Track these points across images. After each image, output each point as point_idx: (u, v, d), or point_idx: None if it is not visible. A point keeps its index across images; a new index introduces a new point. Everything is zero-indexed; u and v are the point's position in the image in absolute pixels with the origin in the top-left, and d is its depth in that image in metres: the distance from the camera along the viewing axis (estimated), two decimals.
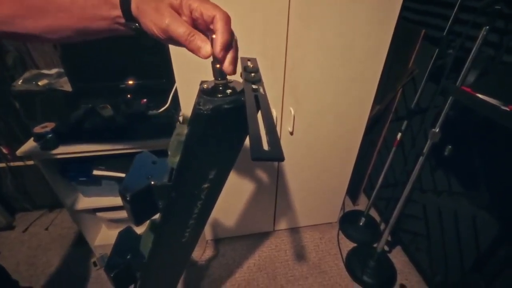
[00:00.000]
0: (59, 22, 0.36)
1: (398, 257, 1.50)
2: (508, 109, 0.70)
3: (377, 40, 1.05)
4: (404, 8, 1.26)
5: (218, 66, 0.39)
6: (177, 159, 0.47)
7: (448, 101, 0.91)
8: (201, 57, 0.35)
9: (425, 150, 1.01)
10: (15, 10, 0.35)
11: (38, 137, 1.09)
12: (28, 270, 1.45)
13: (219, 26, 0.35)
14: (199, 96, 0.40)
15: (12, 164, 1.55)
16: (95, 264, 1.44)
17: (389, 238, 1.54)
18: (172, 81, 1.05)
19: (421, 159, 1.03)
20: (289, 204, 1.53)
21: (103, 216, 1.48)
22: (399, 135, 1.28)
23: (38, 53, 1.35)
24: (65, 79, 1.22)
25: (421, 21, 1.26)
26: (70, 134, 1.12)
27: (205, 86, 0.41)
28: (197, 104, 0.39)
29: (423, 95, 1.20)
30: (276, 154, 0.28)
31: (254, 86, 0.40)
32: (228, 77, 0.41)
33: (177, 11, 0.35)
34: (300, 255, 1.54)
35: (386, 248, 1.51)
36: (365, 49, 1.06)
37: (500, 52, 0.90)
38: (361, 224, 1.64)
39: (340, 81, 1.13)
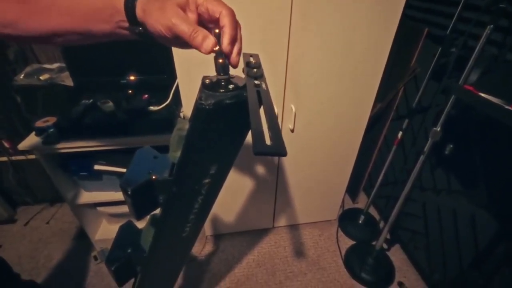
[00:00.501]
0: (62, 26, 0.37)
1: (396, 255, 1.50)
2: (511, 108, 0.70)
3: (379, 38, 1.04)
4: (407, 6, 1.25)
5: (220, 61, 0.39)
6: (178, 154, 0.48)
7: (450, 100, 0.91)
8: (204, 53, 0.36)
9: (425, 149, 1.01)
10: (20, 14, 0.35)
11: (40, 132, 1.09)
12: (29, 264, 1.46)
13: (226, 21, 0.36)
14: (201, 91, 0.40)
15: (13, 158, 1.55)
16: (95, 258, 1.45)
17: (388, 236, 1.54)
18: (174, 77, 1.05)
19: (421, 157, 1.03)
20: (288, 201, 1.53)
21: (104, 211, 1.49)
22: (400, 133, 1.28)
23: (39, 47, 1.34)
24: (66, 73, 1.22)
25: (424, 19, 1.25)
26: (72, 128, 1.13)
27: (207, 81, 0.41)
28: (199, 99, 0.39)
29: (425, 93, 1.20)
30: (278, 149, 0.28)
31: (256, 82, 0.40)
32: (230, 72, 0.42)
33: (184, 8, 0.36)
34: (299, 251, 1.55)
35: (385, 246, 1.51)
36: (367, 47, 1.06)
37: (503, 51, 0.90)
38: (360, 222, 1.64)
39: (341, 79, 1.12)
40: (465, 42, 0.97)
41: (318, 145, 1.32)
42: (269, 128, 0.30)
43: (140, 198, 0.50)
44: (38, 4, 0.35)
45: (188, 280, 1.40)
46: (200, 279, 1.40)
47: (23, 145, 1.09)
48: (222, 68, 0.40)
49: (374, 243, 1.36)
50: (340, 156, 1.39)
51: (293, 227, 1.68)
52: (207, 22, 0.38)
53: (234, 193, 1.42)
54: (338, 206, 1.65)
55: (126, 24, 0.37)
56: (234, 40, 0.38)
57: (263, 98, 0.37)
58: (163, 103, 1.18)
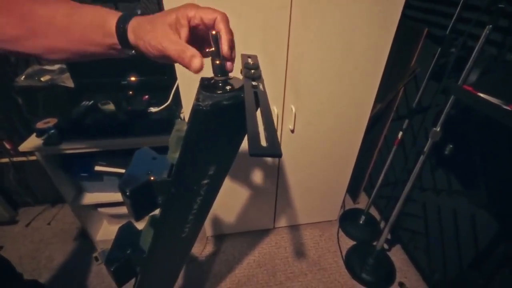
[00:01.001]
0: (58, 44, 0.38)
1: (397, 255, 1.50)
2: (510, 108, 0.69)
3: (379, 38, 1.04)
4: (407, 6, 1.25)
5: (217, 62, 0.39)
6: (177, 155, 0.48)
7: (450, 100, 0.91)
8: (192, 71, 0.36)
9: (425, 149, 1.01)
10: (19, 32, 0.37)
11: (41, 133, 1.10)
12: (31, 264, 1.47)
13: (221, 26, 0.37)
14: (198, 92, 0.40)
15: (14, 159, 1.56)
16: (96, 259, 1.46)
17: (389, 236, 1.54)
18: (174, 78, 1.06)
19: (421, 158, 1.03)
20: (289, 201, 1.53)
21: (105, 212, 1.49)
22: (400, 134, 1.28)
23: None
24: (67, 75, 1.23)
25: (424, 19, 1.25)
26: (72, 130, 1.13)
27: (205, 82, 0.41)
28: (196, 100, 0.39)
29: (425, 94, 1.20)
30: (273, 150, 0.28)
31: (253, 83, 0.41)
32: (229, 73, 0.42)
33: (175, 25, 0.36)
34: (299, 252, 1.55)
35: (386, 246, 1.51)
36: (367, 47, 1.06)
37: (503, 51, 0.90)
38: (361, 222, 1.64)
39: (341, 79, 1.12)
40: (464, 42, 0.97)
41: (318, 146, 1.32)
42: (265, 130, 0.31)
43: (139, 199, 0.50)
44: (37, 23, 0.36)
45: (189, 280, 1.40)
46: (201, 280, 1.40)
47: (24, 146, 1.10)
48: (219, 70, 0.40)
49: (374, 243, 1.36)
50: (340, 156, 1.39)
51: (294, 228, 1.68)
52: (204, 31, 0.39)
53: (234, 194, 1.42)
54: (338, 207, 1.65)
55: (119, 47, 0.38)
56: (232, 44, 0.39)
57: (260, 99, 0.37)
58: (164, 104, 1.18)
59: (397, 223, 1.48)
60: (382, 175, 1.42)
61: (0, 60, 1.31)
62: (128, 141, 1.16)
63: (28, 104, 1.30)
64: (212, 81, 0.41)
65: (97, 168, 1.26)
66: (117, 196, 1.35)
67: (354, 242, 1.59)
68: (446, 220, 1.18)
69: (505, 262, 0.89)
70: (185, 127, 0.46)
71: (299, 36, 0.99)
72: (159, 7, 1.29)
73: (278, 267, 1.46)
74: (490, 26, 0.80)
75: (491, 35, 0.83)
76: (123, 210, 1.48)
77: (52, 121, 1.12)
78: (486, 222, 0.99)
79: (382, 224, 1.66)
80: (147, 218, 0.62)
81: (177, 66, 0.99)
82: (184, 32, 0.37)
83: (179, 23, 0.36)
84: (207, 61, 0.39)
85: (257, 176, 1.38)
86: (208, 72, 0.42)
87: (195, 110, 0.40)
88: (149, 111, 1.17)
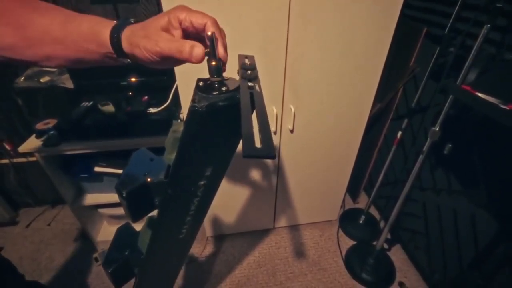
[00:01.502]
0: (55, 53, 0.39)
1: (397, 255, 1.50)
2: (508, 108, 0.69)
3: (378, 38, 1.04)
4: (405, 5, 1.25)
5: (213, 63, 0.39)
6: (173, 156, 0.48)
7: (448, 100, 0.91)
8: (195, 62, 0.36)
9: (424, 148, 1.01)
10: (17, 40, 0.37)
11: (40, 134, 1.10)
12: (31, 265, 1.47)
13: (213, 30, 0.37)
14: (195, 93, 0.40)
15: (15, 160, 1.56)
16: (96, 259, 1.45)
17: (389, 236, 1.54)
18: (173, 79, 1.06)
19: (420, 157, 1.03)
20: (289, 201, 1.53)
21: (105, 212, 1.50)
22: (399, 133, 1.28)
23: None
24: (66, 76, 1.23)
25: (423, 19, 1.25)
26: (72, 130, 1.14)
27: (201, 83, 0.41)
28: (192, 101, 0.39)
29: (424, 93, 1.20)
30: (267, 152, 0.28)
31: (250, 84, 0.40)
32: (224, 74, 0.42)
33: (167, 28, 0.37)
34: (299, 252, 1.55)
35: (386, 246, 1.51)
36: (366, 46, 1.05)
37: (501, 50, 0.89)
38: (361, 222, 1.64)
39: (340, 79, 1.12)
40: (463, 42, 0.97)
41: (318, 145, 1.32)
42: (260, 131, 0.30)
43: (136, 200, 0.50)
44: (33, 32, 0.37)
45: (189, 281, 1.40)
46: (201, 280, 1.40)
47: (24, 147, 1.10)
48: (215, 71, 0.40)
49: (374, 243, 1.36)
50: (340, 156, 1.39)
51: (294, 228, 1.68)
52: (194, 35, 0.39)
53: (234, 194, 1.42)
54: (338, 206, 1.65)
55: (114, 56, 0.39)
56: (225, 46, 0.39)
57: (256, 100, 0.37)
58: (163, 104, 1.19)
59: (397, 223, 1.48)
60: (382, 174, 1.42)
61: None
62: (127, 142, 1.16)
63: (28, 105, 1.30)
64: (208, 82, 0.41)
65: (97, 169, 1.26)
66: (117, 197, 1.35)
67: (354, 242, 1.58)
68: (446, 220, 1.17)
69: (505, 262, 0.89)
70: (181, 128, 0.46)
71: (298, 36, 0.99)
72: (159, 8, 1.29)
73: (278, 267, 1.46)
74: (488, 25, 0.80)
75: (490, 34, 0.82)
76: (123, 211, 1.48)
77: (51, 122, 1.13)
78: (486, 222, 0.98)
79: (382, 224, 1.66)
80: (145, 219, 0.62)
81: (177, 67, 0.99)
82: (178, 34, 0.37)
83: (171, 26, 0.37)
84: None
85: (257, 176, 1.38)
86: (206, 74, 0.42)
87: (191, 111, 0.40)
88: (148, 111, 1.17)
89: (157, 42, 0.35)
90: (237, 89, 0.40)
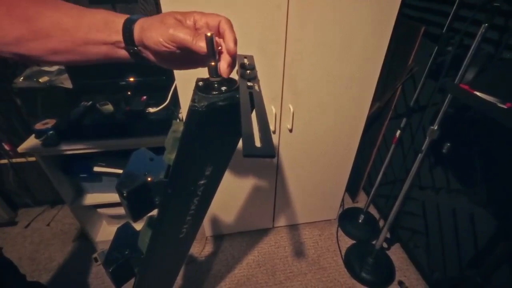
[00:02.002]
0: (62, 45, 0.39)
1: (396, 254, 1.50)
2: (506, 107, 0.70)
3: (376, 37, 1.05)
4: (404, 5, 1.25)
5: (213, 63, 0.39)
6: (173, 156, 0.48)
7: (447, 99, 0.91)
8: (202, 53, 0.37)
9: (423, 147, 1.01)
10: (23, 33, 0.37)
11: (39, 134, 1.10)
12: (30, 266, 1.47)
13: (226, 26, 0.39)
14: (194, 93, 0.41)
15: (14, 160, 1.56)
16: (96, 259, 1.44)
17: (388, 235, 1.54)
18: (172, 78, 1.06)
19: (419, 156, 1.03)
20: (288, 201, 1.54)
21: (104, 212, 1.50)
22: (398, 132, 1.28)
23: None
24: (65, 76, 1.23)
25: (421, 18, 1.25)
26: (71, 130, 1.13)
27: (200, 83, 0.41)
28: (192, 101, 0.40)
29: (423, 92, 1.20)
30: (267, 151, 0.28)
31: (249, 83, 0.41)
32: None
33: (181, 21, 0.38)
34: (299, 251, 1.55)
35: (385, 245, 1.51)
36: (365, 46, 1.06)
37: (499, 49, 0.90)
38: (360, 221, 1.64)
39: (339, 78, 1.13)
40: (461, 41, 0.97)
41: (317, 145, 1.33)
42: (260, 130, 0.31)
43: (136, 200, 0.50)
44: (41, 23, 0.37)
45: (188, 280, 1.40)
46: (200, 280, 1.40)
47: (22, 147, 1.10)
48: (215, 71, 0.40)
49: (374, 242, 1.36)
50: (339, 155, 1.39)
51: (293, 227, 1.69)
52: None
53: (233, 194, 1.42)
54: (337, 206, 1.65)
55: (122, 45, 0.39)
56: (236, 41, 0.40)
57: (255, 100, 0.37)
58: (162, 104, 1.19)
59: (396, 222, 1.49)
60: (381, 173, 1.43)
61: None
62: (127, 142, 1.16)
63: (27, 105, 1.30)
64: (208, 82, 0.41)
65: (96, 168, 1.26)
66: (117, 197, 1.34)
67: (354, 241, 1.59)
68: (445, 219, 1.18)
69: (503, 260, 0.89)
70: (181, 128, 0.46)
71: (296, 36, 0.99)
72: (157, 8, 1.29)
73: (277, 267, 1.47)
74: (486, 24, 0.81)
75: (487, 33, 0.83)
76: (123, 210, 1.47)
77: (51, 122, 1.12)
78: (484, 221, 0.99)
79: (381, 223, 1.66)
80: (145, 218, 0.62)
81: None
82: (190, 28, 0.38)
83: (185, 22, 0.38)
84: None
85: (256, 176, 1.38)
86: (205, 73, 0.42)
87: (190, 111, 0.40)
88: (147, 111, 1.17)
89: (170, 27, 0.35)
90: (237, 89, 0.40)
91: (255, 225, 1.63)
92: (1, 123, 1.46)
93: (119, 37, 0.38)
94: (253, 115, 0.34)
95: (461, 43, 0.98)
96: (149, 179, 0.50)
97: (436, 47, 1.07)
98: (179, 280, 1.40)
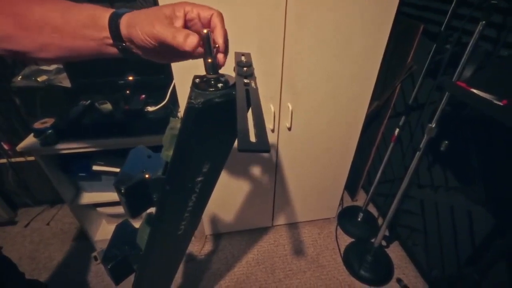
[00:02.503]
0: (52, 41, 0.38)
1: (395, 251, 1.51)
2: (502, 104, 0.70)
3: (375, 36, 1.05)
4: (402, 3, 1.25)
5: (209, 60, 0.40)
6: (171, 152, 0.48)
7: (445, 97, 0.91)
8: (187, 49, 0.36)
9: (421, 145, 1.01)
10: (12, 29, 0.37)
11: (38, 133, 1.10)
12: (30, 265, 1.47)
13: (217, 21, 0.39)
14: (191, 90, 0.41)
15: (13, 160, 1.56)
16: (95, 258, 1.46)
17: (387, 233, 1.55)
18: (170, 77, 1.06)
19: (417, 154, 1.03)
20: (287, 199, 1.54)
21: (104, 211, 1.50)
22: (396, 130, 1.28)
23: None
24: (64, 75, 1.23)
25: (420, 16, 1.25)
26: (70, 130, 1.13)
27: (197, 80, 0.41)
28: (189, 98, 0.40)
29: (421, 90, 1.20)
30: (262, 146, 0.29)
31: (245, 80, 0.41)
32: (220, 71, 0.42)
33: (170, 16, 0.37)
34: (298, 249, 1.55)
35: (384, 243, 1.52)
36: (363, 44, 1.06)
37: (497, 47, 0.90)
38: (359, 219, 1.65)
39: (338, 77, 1.13)
40: (459, 39, 0.97)
41: (316, 143, 1.33)
42: (255, 126, 0.31)
43: (134, 196, 0.50)
44: (29, 19, 0.37)
45: (188, 279, 1.40)
46: (200, 278, 1.41)
47: (21, 146, 1.10)
48: (211, 68, 0.40)
49: (373, 240, 1.36)
50: (338, 153, 1.40)
51: (292, 226, 1.69)
52: (199, 28, 0.39)
53: (233, 192, 1.43)
54: (337, 204, 1.66)
55: (110, 41, 0.39)
56: (226, 37, 0.40)
57: (251, 96, 0.38)
58: (160, 103, 1.19)
59: (395, 220, 1.49)
60: (380, 172, 1.43)
61: None
62: (125, 141, 1.16)
63: (26, 104, 1.30)
64: (204, 79, 0.41)
65: (95, 167, 1.26)
66: (116, 196, 1.33)
67: (353, 239, 1.59)
68: (444, 217, 1.18)
69: (500, 257, 0.90)
70: (178, 125, 0.46)
71: (295, 35, 0.99)
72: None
73: (276, 265, 1.47)
74: (484, 22, 0.81)
75: (485, 31, 0.83)
76: (122, 209, 1.48)
77: (49, 121, 1.13)
78: (482, 218, 0.99)
79: (380, 221, 1.67)
80: (143, 216, 0.62)
81: (174, 65, 0.99)
82: (179, 23, 0.38)
83: (174, 15, 0.37)
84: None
85: (255, 175, 1.38)
86: (203, 72, 0.42)
87: (187, 108, 0.40)
88: (146, 110, 1.18)
89: (154, 25, 0.35)
90: (233, 85, 0.40)
91: (254, 223, 1.63)
92: (0, 123, 1.46)
93: (106, 33, 0.38)
94: (250, 112, 0.35)
95: (459, 41, 0.99)
96: (147, 176, 0.51)
97: (435, 45, 1.07)
98: (179, 278, 1.40)
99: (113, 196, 1.35)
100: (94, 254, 1.47)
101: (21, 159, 1.56)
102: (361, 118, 1.28)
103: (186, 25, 0.39)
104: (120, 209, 1.48)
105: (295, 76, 1.10)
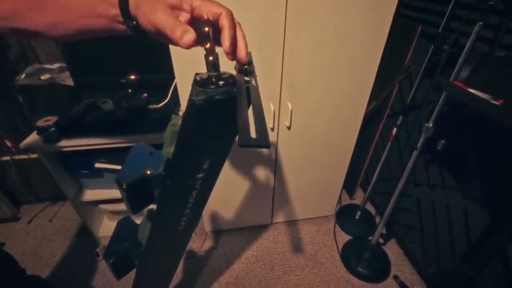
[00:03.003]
0: (60, 19, 0.37)
1: (392, 249, 1.52)
2: (498, 103, 0.71)
3: (373, 36, 1.06)
4: (401, 4, 1.26)
5: (211, 58, 0.41)
6: (172, 149, 0.50)
7: (442, 97, 0.93)
8: (183, 47, 0.36)
9: (418, 144, 1.03)
10: (17, 6, 0.36)
11: (41, 131, 1.11)
12: (33, 261, 1.49)
13: (225, 22, 0.38)
14: (193, 87, 0.42)
15: (16, 157, 1.58)
16: (97, 254, 1.47)
17: (384, 231, 1.56)
18: (172, 76, 1.07)
19: (414, 153, 1.05)
20: (286, 197, 1.56)
21: (105, 208, 1.52)
22: (394, 130, 1.30)
23: (40, 48, 1.37)
24: (67, 73, 1.25)
25: (418, 17, 1.27)
26: (72, 127, 1.15)
27: (198, 77, 0.43)
28: (190, 95, 0.41)
29: (419, 91, 1.22)
30: (262, 141, 0.30)
31: (246, 78, 0.42)
32: (222, 69, 0.43)
33: (176, 7, 0.36)
34: (297, 247, 1.57)
35: (381, 240, 1.53)
36: (362, 45, 1.07)
37: (493, 47, 0.91)
38: (357, 217, 1.66)
39: (337, 77, 1.14)
40: (456, 40, 0.98)
41: (315, 142, 1.34)
42: (255, 122, 0.32)
43: (136, 192, 0.52)
44: None
45: (188, 275, 1.42)
46: (200, 274, 1.42)
47: (24, 143, 1.12)
48: (212, 65, 0.41)
49: (370, 238, 1.38)
50: (336, 152, 1.41)
51: (291, 223, 1.71)
52: (207, 24, 0.39)
53: (233, 190, 1.44)
54: (335, 202, 1.67)
55: (121, 19, 0.38)
56: (234, 40, 0.39)
57: (252, 94, 0.39)
58: (162, 101, 1.20)
59: (392, 218, 1.51)
60: (378, 171, 1.44)
61: (0, 58, 1.33)
62: (127, 139, 1.17)
63: (29, 102, 1.32)
64: (206, 76, 0.43)
65: (97, 165, 1.28)
66: (118, 193, 1.35)
67: (350, 237, 1.61)
68: (440, 215, 1.20)
69: (495, 254, 0.91)
70: (179, 122, 0.48)
71: (295, 34, 1.01)
72: None
73: (275, 262, 1.49)
74: (480, 23, 0.82)
75: (482, 32, 0.84)
76: (124, 206, 1.50)
77: (52, 119, 1.14)
78: (477, 217, 1.01)
79: (377, 219, 1.69)
80: (144, 212, 0.64)
81: (175, 64, 1.00)
82: (185, 17, 0.37)
83: (181, 6, 0.37)
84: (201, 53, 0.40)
85: (255, 173, 1.40)
86: (205, 70, 0.44)
87: (189, 105, 0.41)
88: (148, 108, 1.19)
89: (156, 13, 0.35)
90: (234, 83, 0.41)
91: (254, 221, 1.65)
92: (3, 120, 1.48)
93: (116, 10, 0.37)
94: (251, 109, 0.36)
95: (456, 42, 1.00)
96: (148, 172, 0.52)
97: (432, 46, 1.08)
98: (179, 274, 1.42)
99: (115, 193, 1.37)
100: (96, 250, 1.47)
101: (24, 156, 1.58)
102: (359, 118, 1.30)
103: (193, 21, 0.38)
104: (121, 206, 1.49)
105: (295, 76, 1.11)
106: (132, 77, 1.26)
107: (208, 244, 1.58)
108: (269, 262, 1.49)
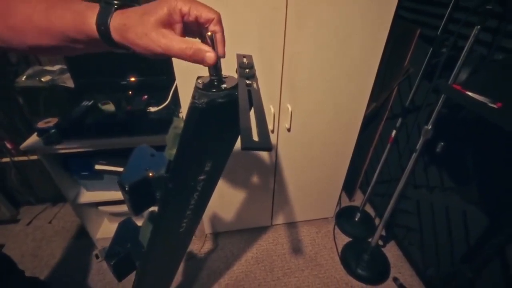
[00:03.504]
0: (42, 42, 0.35)
1: (392, 251, 1.53)
2: (496, 106, 0.72)
3: (373, 38, 1.07)
4: (400, 7, 1.27)
5: None
6: (174, 151, 0.50)
7: (440, 99, 0.93)
8: (208, 66, 0.36)
9: (418, 146, 1.03)
10: (1, 29, 0.34)
11: (41, 132, 1.12)
12: (32, 262, 1.49)
13: (217, 28, 0.38)
14: (195, 90, 0.43)
15: (16, 159, 1.58)
16: (97, 256, 1.48)
17: (384, 233, 1.57)
18: (172, 78, 1.08)
19: (414, 155, 1.05)
20: (286, 199, 1.56)
21: (105, 210, 1.52)
22: (393, 132, 1.31)
23: None
24: (67, 75, 1.25)
25: (417, 20, 1.28)
26: (73, 129, 1.15)
27: (200, 81, 0.43)
28: (192, 98, 0.42)
29: (418, 93, 1.22)
30: (264, 144, 0.30)
31: (248, 81, 0.43)
32: (223, 72, 0.44)
33: (168, 22, 0.34)
34: (296, 248, 1.57)
35: (380, 242, 1.54)
36: (362, 46, 1.08)
37: (491, 50, 0.92)
38: (356, 219, 1.67)
39: (337, 79, 1.15)
40: (455, 43, 0.99)
41: (315, 144, 1.35)
42: (257, 126, 0.33)
43: (138, 194, 0.52)
44: (15, 20, 0.34)
45: (188, 277, 1.42)
46: (200, 276, 1.42)
47: (25, 145, 1.11)
48: (214, 69, 0.42)
49: (370, 240, 1.38)
50: (336, 154, 1.42)
51: (291, 225, 1.71)
52: (195, 27, 0.39)
53: (233, 192, 1.44)
54: (334, 204, 1.67)
55: (103, 44, 0.35)
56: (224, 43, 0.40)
57: (253, 97, 0.40)
58: (162, 103, 1.21)
59: (391, 220, 1.51)
60: (377, 172, 1.45)
61: (1, 60, 1.33)
62: (127, 140, 1.18)
63: (29, 104, 1.32)
64: (208, 80, 0.43)
65: (97, 167, 1.28)
66: (118, 195, 1.37)
67: (350, 239, 1.61)
68: (439, 217, 1.20)
69: (493, 256, 0.92)
70: (182, 125, 0.48)
71: (294, 36, 1.01)
72: None
73: (275, 263, 1.49)
74: (479, 26, 0.83)
75: (481, 35, 0.85)
76: (123, 208, 1.50)
77: (52, 121, 1.14)
78: (476, 218, 1.01)
79: (377, 221, 1.69)
80: (145, 214, 0.64)
81: (176, 66, 1.01)
82: (179, 28, 0.36)
83: (172, 19, 0.34)
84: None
85: (255, 175, 1.40)
86: (206, 73, 0.44)
87: (191, 108, 0.42)
88: (148, 110, 1.19)
89: (159, 42, 0.33)
90: (236, 86, 0.42)
91: (254, 223, 1.65)
92: (4, 122, 1.48)
93: (97, 36, 0.34)
94: (252, 112, 0.36)
95: (455, 44, 1.01)
96: (150, 174, 0.52)
97: (431, 49, 1.09)
98: (179, 276, 1.42)
99: (115, 195, 1.37)
100: (96, 252, 1.48)
101: (24, 158, 1.58)
102: (359, 118, 1.30)
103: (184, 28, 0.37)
104: (121, 208, 1.49)
105: (294, 77, 1.12)
106: (133, 79, 1.27)
107: (208, 246, 1.58)
108: (269, 264, 1.49)
